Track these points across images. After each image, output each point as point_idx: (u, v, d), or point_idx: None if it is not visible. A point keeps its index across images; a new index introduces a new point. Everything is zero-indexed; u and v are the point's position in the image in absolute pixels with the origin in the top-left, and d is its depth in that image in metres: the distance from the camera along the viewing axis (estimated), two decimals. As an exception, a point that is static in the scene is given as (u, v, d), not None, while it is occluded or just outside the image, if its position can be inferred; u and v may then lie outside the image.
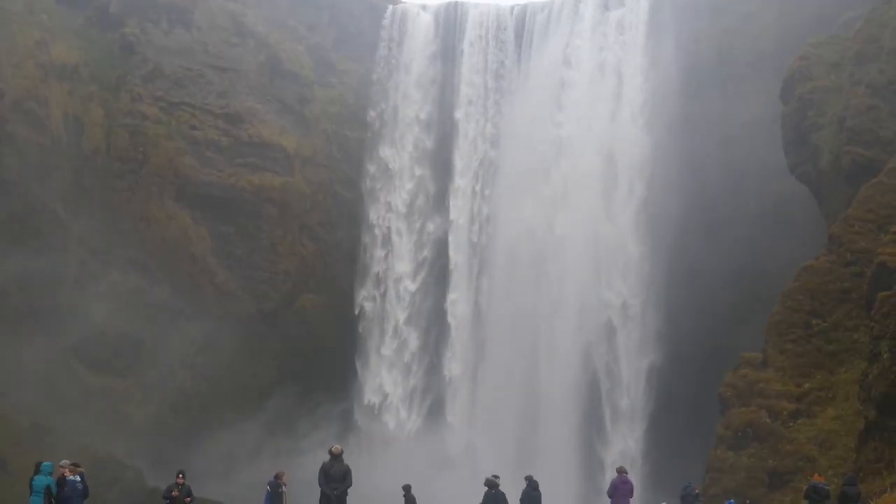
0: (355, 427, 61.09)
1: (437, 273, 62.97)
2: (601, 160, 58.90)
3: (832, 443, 34.82)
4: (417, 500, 32.76)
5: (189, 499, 26.38)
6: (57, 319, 53.11)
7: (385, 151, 64.94)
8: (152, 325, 57.33)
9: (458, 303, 61.52)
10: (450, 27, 65.89)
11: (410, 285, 63.09)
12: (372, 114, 65.77)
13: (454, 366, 60.53)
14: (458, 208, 62.71)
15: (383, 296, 63.39)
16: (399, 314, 62.70)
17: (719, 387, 40.13)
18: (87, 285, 55.38)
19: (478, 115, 63.94)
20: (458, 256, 62.02)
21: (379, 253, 63.92)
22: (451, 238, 62.51)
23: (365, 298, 63.82)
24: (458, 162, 63.37)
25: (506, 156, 61.94)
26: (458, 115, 64.07)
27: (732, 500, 33.23)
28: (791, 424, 36.46)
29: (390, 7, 67.41)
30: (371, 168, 65.00)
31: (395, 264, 63.45)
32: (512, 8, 65.70)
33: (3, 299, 50.51)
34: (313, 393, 59.63)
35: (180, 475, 26.69)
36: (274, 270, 61.30)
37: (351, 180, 65.53)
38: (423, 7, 67.68)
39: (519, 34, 64.36)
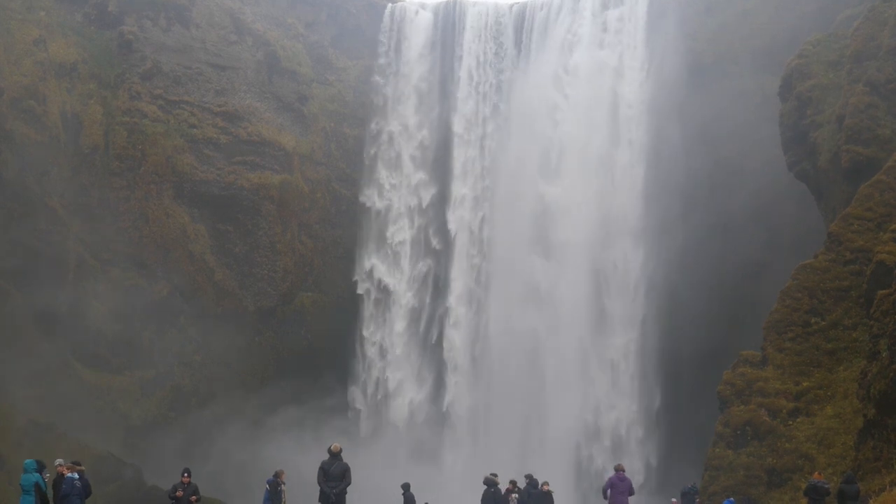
0: (353, 424, 61.15)
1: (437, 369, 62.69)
2: (599, 158, 58.95)
3: (831, 441, 34.78)
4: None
5: (195, 497, 25.86)
6: (55, 317, 53.06)
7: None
8: (151, 323, 57.34)
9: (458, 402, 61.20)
10: (448, 25, 65.89)
11: (412, 395, 62.68)
12: (365, 201, 65.45)
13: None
14: (458, 334, 62.15)
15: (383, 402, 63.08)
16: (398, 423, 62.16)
17: (718, 385, 40.08)
18: (85, 283, 55.34)
19: (477, 109, 64.00)
20: (460, 405, 61.29)
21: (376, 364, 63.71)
22: (447, 358, 62.10)
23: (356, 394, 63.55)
24: (456, 271, 62.74)
25: (504, 156, 62.10)
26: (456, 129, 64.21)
27: (731, 499, 33.20)
28: (790, 423, 36.42)
29: (389, 5, 67.41)
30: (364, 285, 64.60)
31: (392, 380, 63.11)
32: (511, 6, 65.64)
33: (1, 297, 50.45)
34: (311, 390, 59.67)
35: (186, 474, 26.14)
36: (272, 268, 61.27)
37: (350, 178, 65.53)
38: (423, 5, 67.67)
39: (518, 32, 64.33)
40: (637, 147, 58.55)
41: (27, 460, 24.07)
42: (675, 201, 55.63)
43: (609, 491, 28.03)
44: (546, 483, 30.44)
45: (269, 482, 28.86)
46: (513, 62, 63.99)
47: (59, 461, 24.72)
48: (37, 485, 23.43)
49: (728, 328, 52.66)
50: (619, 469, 28.76)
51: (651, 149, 57.79)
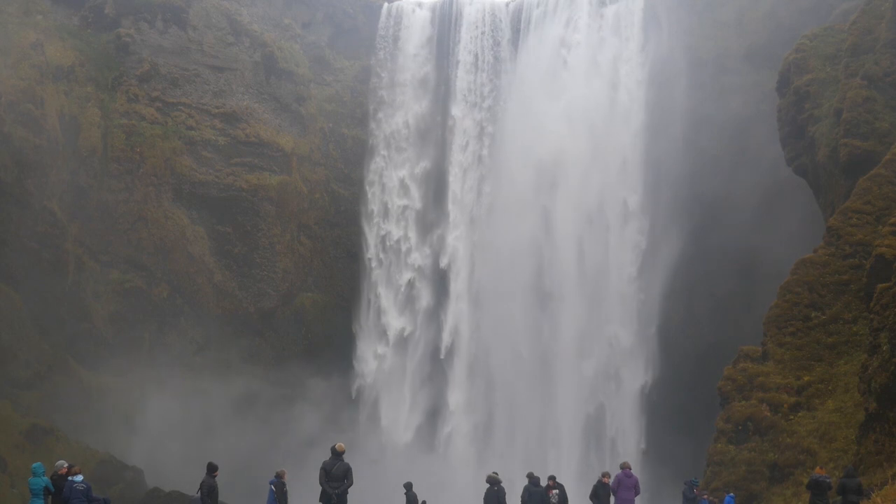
0: (354, 423, 61.12)
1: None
2: (597, 156, 58.92)
3: (833, 435, 34.73)
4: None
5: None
6: (55, 319, 53.05)
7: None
8: (151, 325, 57.34)
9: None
10: (445, 23, 65.83)
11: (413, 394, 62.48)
12: (367, 201, 65.28)
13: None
14: (458, 334, 61.92)
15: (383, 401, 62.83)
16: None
17: (719, 381, 40.05)
18: (85, 285, 55.35)
19: (475, 106, 64.01)
20: (461, 404, 61.02)
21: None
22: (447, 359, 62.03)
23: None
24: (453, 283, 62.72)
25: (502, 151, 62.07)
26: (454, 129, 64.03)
27: (732, 495, 33.15)
28: (791, 417, 36.37)
29: (386, 4, 67.35)
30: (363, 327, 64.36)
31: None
32: (508, 3, 65.58)
33: (1, 299, 50.42)
34: (311, 390, 59.65)
35: (216, 471, 25.22)
36: (272, 269, 61.26)
37: (348, 178, 65.48)
38: (420, 4, 67.61)
39: (515, 29, 64.27)
40: (635, 143, 58.49)
41: (35, 464, 23.97)
42: (673, 196, 55.62)
43: (617, 488, 28.09)
44: (607, 474, 29.74)
45: (272, 483, 28.76)
46: (510, 59, 63.93)
47: (59, 462, 24.57)
48: (45, 488, 23.37)
49: (728, 323, 52.66)
50: (624, 466, 28.72)
51: (649, 145, 57.74)
